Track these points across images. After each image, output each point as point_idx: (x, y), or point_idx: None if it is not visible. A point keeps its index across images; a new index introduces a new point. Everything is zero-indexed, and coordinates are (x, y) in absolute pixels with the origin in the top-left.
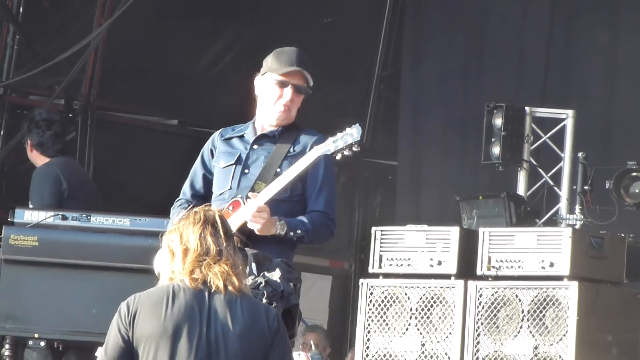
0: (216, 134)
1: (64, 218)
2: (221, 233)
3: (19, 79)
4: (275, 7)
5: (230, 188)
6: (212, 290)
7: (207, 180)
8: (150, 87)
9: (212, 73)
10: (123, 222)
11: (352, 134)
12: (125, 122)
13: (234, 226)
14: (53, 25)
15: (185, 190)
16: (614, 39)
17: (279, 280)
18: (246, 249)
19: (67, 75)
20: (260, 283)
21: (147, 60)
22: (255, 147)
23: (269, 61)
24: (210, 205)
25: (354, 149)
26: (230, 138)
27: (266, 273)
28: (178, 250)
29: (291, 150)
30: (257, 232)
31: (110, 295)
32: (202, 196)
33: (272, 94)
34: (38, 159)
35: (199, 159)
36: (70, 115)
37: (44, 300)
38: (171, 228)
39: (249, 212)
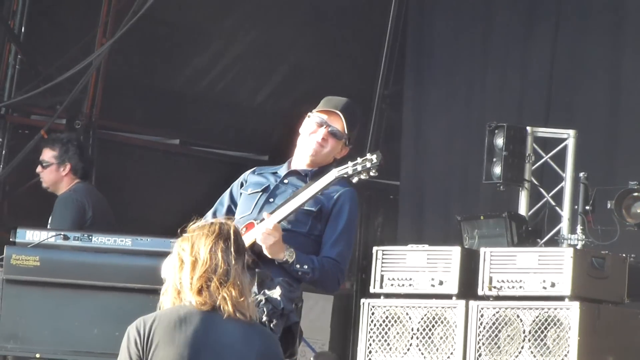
0: (249, 170)
1: (66, 238)
2: (232, 249)
3: (20, 99)
4: (277, 26)
5: (251, 212)
6: (219, 315)
7: (231, 212)
8: (152, 106)
9: (214, 92)
10: (125, 242)
11: (372, 159)
12: (127, 142)
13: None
14: (55, 45)
15: (207, 218)
16: (617, 58)
17: (279, 298)
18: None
19: (68, 95)
20: (261, 301)
21: (148, 80)
22: (285, 181)
23: (319, 104)
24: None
25: (371, 173)
26: (263, 172)
27: (267, 291)
28: (187, 260)
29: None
30: (265, 252)
31: (112, 315)
32: None
33: (309, 129)
34: (69, 182)
35: (227, 190)
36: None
37: (45, 320)
38: (185, 235)
39: (260, 231)
